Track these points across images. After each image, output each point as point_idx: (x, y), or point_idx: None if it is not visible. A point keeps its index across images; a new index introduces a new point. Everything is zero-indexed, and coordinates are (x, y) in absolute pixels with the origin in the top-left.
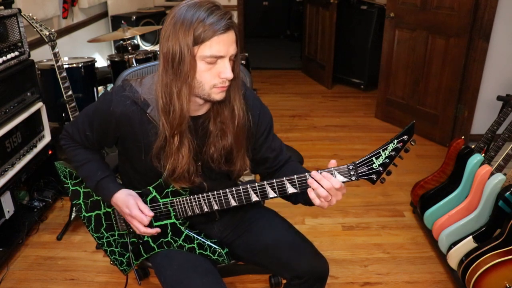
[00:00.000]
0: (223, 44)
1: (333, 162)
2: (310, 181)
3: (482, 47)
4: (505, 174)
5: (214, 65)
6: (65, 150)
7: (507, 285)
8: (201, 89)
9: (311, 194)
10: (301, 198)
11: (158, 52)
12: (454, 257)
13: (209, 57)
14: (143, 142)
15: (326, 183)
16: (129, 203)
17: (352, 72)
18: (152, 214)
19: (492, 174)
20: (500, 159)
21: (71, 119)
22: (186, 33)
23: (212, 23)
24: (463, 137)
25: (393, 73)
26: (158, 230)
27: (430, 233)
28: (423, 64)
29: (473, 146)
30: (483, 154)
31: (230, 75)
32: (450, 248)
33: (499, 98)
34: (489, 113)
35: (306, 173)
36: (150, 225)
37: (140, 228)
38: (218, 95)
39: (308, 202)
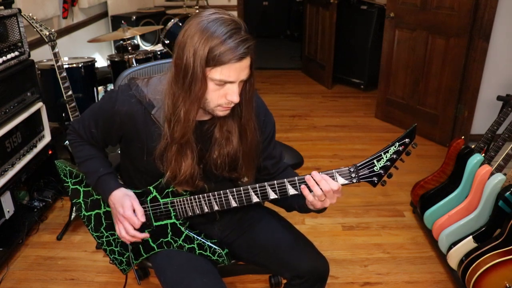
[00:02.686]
0: (234, 71)
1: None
2: (307, 177)
3: (482, 47)
4: (505, 174)
5: (223, 86)
6: (70, 146)
7: (507, 285)
8: (206, 104)
9: (304, 190)
10: (296, 203)
11: (158, 52)
12: (454, 257)
13: (218, 80)
14: (145, 143)
15: (324, 185)
16: (125, 203)
17: (352, 72)
18: (144, 220)
19: (492, 174)
20: (500, 159)
21: (71, 119)
22: (202, 49)
23: (230, 49)
24: (463, 137)
25: (393, 73)
26: (147, 235)
27: (430, 233)
28: (423, 64)
29: (473, 146)
30: (483, 154)
31: (236, 99)
32: (450, 248)
33: (499, 98)
34: (489, 113)
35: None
36: (148, 227)
37: (130, 230)
38: (221, 113)
39: (303, 209)
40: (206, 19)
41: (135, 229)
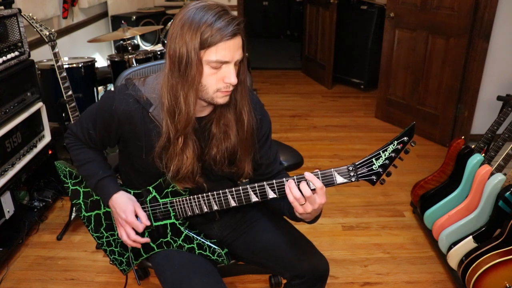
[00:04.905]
0: (228, 50)
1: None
2: (289, 181)
3: (482, 47)
4: (505, 174)
5: (219, 69)
6: (68, 149)
7: (507, 285)
8: (205, 92)
9: (286, 189)
10: (287, 209)
11: (158, 52)
12: (454, 257)
13: (214, 62)
14: (144, 142)
15: (304, 187)
16: (128, 208)
17: (352, 72)
18: (148, 223)
19: (492, 174)
20: (500, 159)
21: (71, 119)
22: (194, 36)
23: (220, 28)
24: (463, 137)
25: (393, 73)
26: (147, 240)
27: (430, 233)
28: (423, 64)
29: (473, 146)
30: (483, 154)
31: (234, 80)
32: (450, 248)
33: (499, 98)
34: (489, 113)
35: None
36: (148, 228)
37: (131, 234)
38: (221, 99)
39: (292, 216)
40: (193, 7)
41: (137, 233)
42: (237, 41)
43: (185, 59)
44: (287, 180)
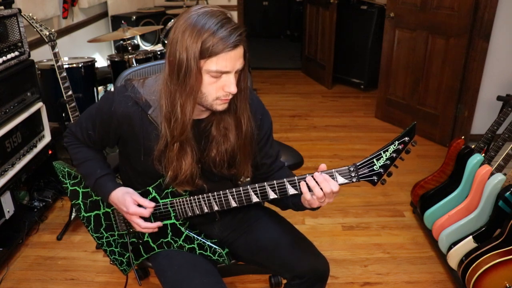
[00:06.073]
0: (230, 61)
1: (322, 166)
2: (308, 178)
3: (482, 47)
4: (505, 174)
5: (219, 78)
6: (67, 148)
7: (507, 285)
8: (204, 99)
9: (303, 188)
10: (291, 201)
11: (158, 52)
12: (454, 257)
13: (214, 71)
14: (143, 143)
15: (326, 186)
16: (126, 201)
17: (352, 72)
18: (153, 204)
19: (492, 174)
20: (500, 159)
21: (71, 119)
22: (194, 43)
23: (222, 38)
24: (463, 137)
25: (393, 73)
26: (159, 224)
27: (430, 233)
28: (423, 64)
29: (473, 146)
30: (483, 154)
31: (234, 90)
32: (450, 248)
33: (499, 98)
34: (489, 113)
35: (307, 174)
36: (156, 207)
37: (141, 223)
38: (220, 106)
39: (298, 207)
40: (195, 13)
41: (146, 220)
42: (239, 51)
43: (184, 67)
44: (290, 181)
